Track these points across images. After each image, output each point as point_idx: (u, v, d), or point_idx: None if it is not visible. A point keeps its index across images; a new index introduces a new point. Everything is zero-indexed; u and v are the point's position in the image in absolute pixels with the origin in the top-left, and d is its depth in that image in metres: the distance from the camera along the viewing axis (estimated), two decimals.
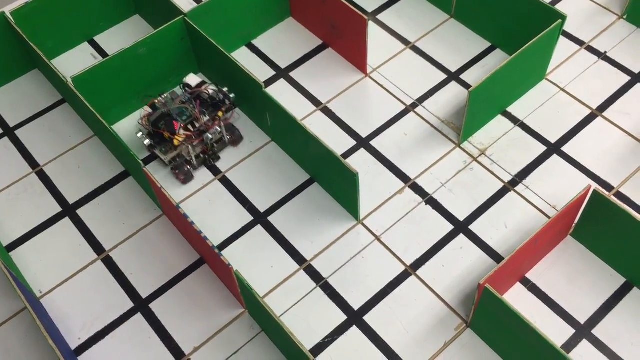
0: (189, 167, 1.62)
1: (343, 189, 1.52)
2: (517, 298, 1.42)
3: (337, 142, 1.68)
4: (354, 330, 1.40)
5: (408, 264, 1.48)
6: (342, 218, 1.55)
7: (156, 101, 1.60)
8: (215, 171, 1.64)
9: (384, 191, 1.60)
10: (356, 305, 1.43)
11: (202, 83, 1.65)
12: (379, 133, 1.70)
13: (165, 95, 1.63)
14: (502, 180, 1.59)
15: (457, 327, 1.39)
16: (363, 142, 1.68)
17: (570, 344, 1.35)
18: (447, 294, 1.43)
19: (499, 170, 1.61)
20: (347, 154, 1.66)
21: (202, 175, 1.64)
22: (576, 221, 1.46)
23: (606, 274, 1.43)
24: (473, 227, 1.53)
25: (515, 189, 1.58)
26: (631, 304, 1.39)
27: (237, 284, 1.33)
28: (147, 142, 1.58)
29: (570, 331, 1.37)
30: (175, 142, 1.54)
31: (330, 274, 1.47)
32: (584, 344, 1.35)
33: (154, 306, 1.45)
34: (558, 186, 1.57)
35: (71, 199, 1.62)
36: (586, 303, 1.40)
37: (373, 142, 1.68)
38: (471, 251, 1.49)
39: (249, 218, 1.56)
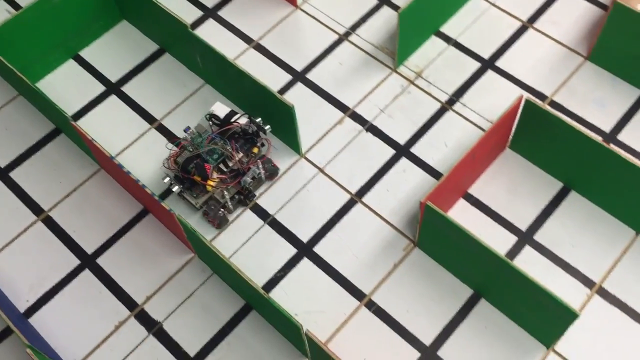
0: (222, 210, 1.44)
1: (282, 124, 1.50)
2: (461, 213, 1.45)
3: (272, 78, 1.65)
4: (305, 262, 1.41)
5: (353, 192, 1.49)
6: (284, 154, 1.54)
7: (182, 140, 1.42)
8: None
9: (324, 123, 1.59)
10: (305, 237, 1.44)
11: (232, 113, 1.44)
12: (315, 65, 1.67)
13: (191, 130, 1.43)
14: (439, 101, 1.60)
15: (405, 248, 1.42)
16: (299, 76, 1.66)
17: (514, 251, 1.40)
18: (393, 217, 1.45)
19: (436, 91, 1.61)
20: (284, 90, 1.64)
21: None
22: (512, 133, 1.48)
23: (544, 180, 1.47)
24: (414, 149, 1.54)
25: (453, 107, 1.58)
26: (569, 208, 1.44)
27: (182, 229, 1.33)
28: (176, 189, 1.39)
29: (513, 239, 1.41)
30: (209, 188, 1.37)
31: (277, 210, 1.47)
32: (527, 250, 1.40)
33: (101, 261, 1.43)
34: (494, 101, 1.59)
35: (2, 163, 1.56)
36: (527, 211, 1.44)
37: (309, 75, 1.66)
38: (414, 173, 1.51)
39: None
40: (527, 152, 1.50)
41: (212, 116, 1.45)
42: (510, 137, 1.50)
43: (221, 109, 1.46)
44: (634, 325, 1.30)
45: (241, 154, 1.41)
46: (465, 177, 1.44)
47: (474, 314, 1.34)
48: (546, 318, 1.23)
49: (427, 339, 1.32)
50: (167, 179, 1.41)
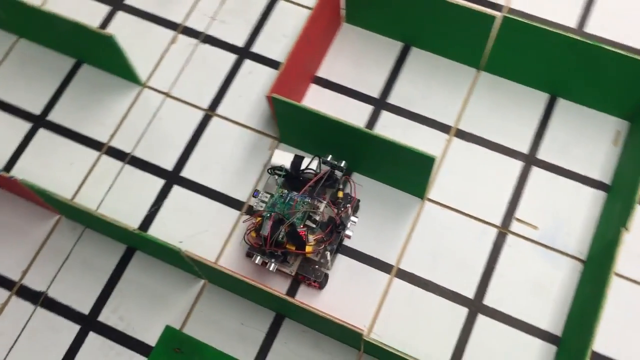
0: (322, 269, 1.26)
1: (110, 59, 1.42)
2: (315, 97, 1.45)
3: (89, 14, 1.54)
4: (176, 189, 1.38)
5: (206, 107, 1.45)
6: (123, 88, 1.46)
7: (256, 207, 1.23)
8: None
9: (156, 47, 1.51)
10: (169, 165, 1.40)
11: (298, 159, 1.25)
12: None
13: (261, 196, 1.24)
14: None
15: (270, 147, 1.41)
16: (118, 5, 1.56)
17: (373, 119, 1.43)
18: (251, 120, 1.44)
19: None
20: (104, 24, 1.53)
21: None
22: (344, 6, 1.47)
23: (385, 45, 1.49)
24: (255, 48, 1.50)
25: None
26: (413, 64, 1.47)
27: (34, 194, 1.25)
28: (273, 267, 1.22)
29: (370, 108, 1.44)
30: (309, 255, 1.21)
31: (134, 146, 1.42)
32: (385, 115, 1.43)
33: None
34: None
35: None
36: (376, 78, 1.46)
37: (127, 2, 1.56)
38: (261, 72, 1.48)
39: (27, 125, 1.44)
40: (362, 21, 1.50)
41: (275, 169, 1.26)
42: (343, 11, 1.49)
43: (282, 157, 1.26)
44: (493, 155, 1.38)
45: (325, 202, 1.23)
46: (308, 62, 1.43)
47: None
48: (412, 171, 1.27)
49: None
50: (259, 258, 1.22)
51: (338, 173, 1.27)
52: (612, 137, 1.37)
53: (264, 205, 1.22)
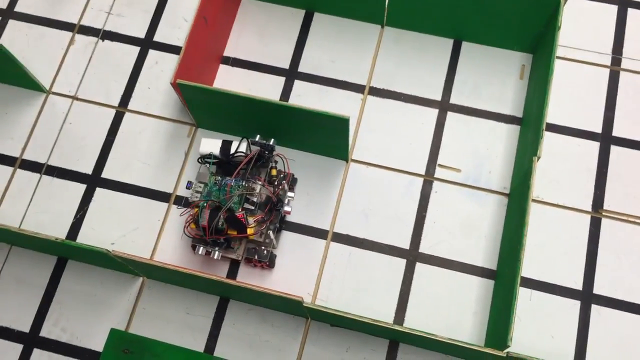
0: (267, 249, 1.25)
1: (6, 70, 1.36)
2: (226, 78, 1.43)
3: None
4: (99, 191, 1.35)
5: (116, 105, 1.42)
6: (27, 99, 1.41)
7: (191, 198, 1.21)
8: None
9: (55, 50, 1.46)
10: (88, 169, 1.37)
11: (226, 144, 1.22)
12: None
13: (194, 184, 1.22)
14: None
15: (189, 133, 1.40)
16: (8, 14, 1.49)
17: (287, 90, 1.42)
18: (165, 110, 1.41)
19: None
20: None
21: None
22: None
23: (287, 14, 1.47)
24: (157, 37, 1.47)
25: None
26: (318, 29, 1.46)
27: None
28: (217, 255, 1.21)
29: (281, 79, 1.43)
30: (251, 237, 1.19)
31: (48, 156, 1.38)
32: (297, 84, 1.42)
33: None
34: None
35: None
36: (284, 49, 1.45)
37: (17, 8, 1.49)
38: (167, 60, 1.45)
39: None
40: None
41: (204, 157, 1.23)
42: None
43: (210, 144, 1.24)
44: (409, 107, 1.40)
45: (260, 183, 1.22)
46: (212, 43, 1.41)
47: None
48: (332, 135, 1.27)
49: None
50: (202, 249, 1.21)
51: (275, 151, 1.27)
52: (518, 71, 1.42)
53: (199, 195, 1.21)
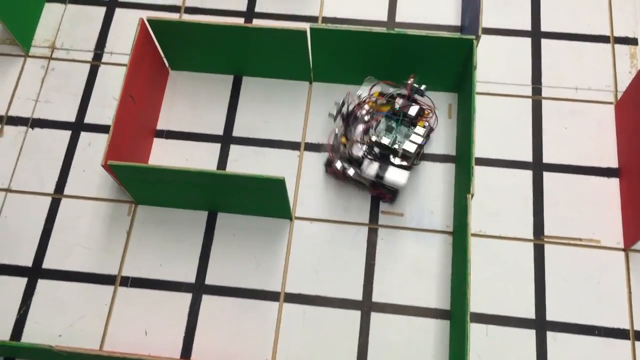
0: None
1: None
2: (161, 151, 1.43)
3: None
4: (42, 283, 1.31)
5: (52, 192, 1.39)
6: None
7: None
8: None
9: None
10: (28, 261, 1.33)
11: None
12: None
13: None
14: (86, 62, 1.52)
15: (129, 212, 1.38)
16: None
17: (223, 157, 1.42)
18: (102, 192, 1.39)
19: (79, 54, 1.53)
20: None
21: None
22: (163, 54, 1.47)
23: (217, 81, 1.49)
24: (87, 119, 1.46)
25: (102, 61, 1.52)
26: (248, 92, 1.48)
27: None
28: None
29: (217, 146, 1.43)
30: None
31: None
32: (233, 149, 1.42)
33: None
34: (129, 35, 1.54)
35: None
36: (216, 116, 1.46)
37: None
38: (99, 141, 1.44)
39: None
40: (187, 65, 1.49)
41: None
42: (165, 59, 1.48)
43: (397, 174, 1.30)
44: None
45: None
46: (143, 119, 1.41)
47: (218, 230, 1.36)
48: (271, 196, 1.28)
49: (191, 278, 1.33)
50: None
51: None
52: (447, 111, 1.46)
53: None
